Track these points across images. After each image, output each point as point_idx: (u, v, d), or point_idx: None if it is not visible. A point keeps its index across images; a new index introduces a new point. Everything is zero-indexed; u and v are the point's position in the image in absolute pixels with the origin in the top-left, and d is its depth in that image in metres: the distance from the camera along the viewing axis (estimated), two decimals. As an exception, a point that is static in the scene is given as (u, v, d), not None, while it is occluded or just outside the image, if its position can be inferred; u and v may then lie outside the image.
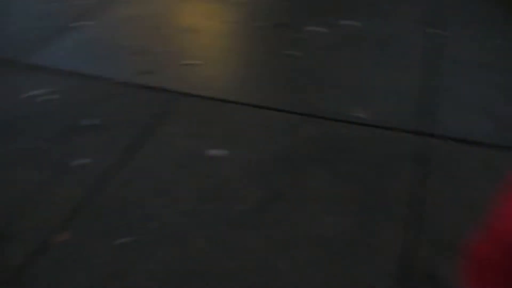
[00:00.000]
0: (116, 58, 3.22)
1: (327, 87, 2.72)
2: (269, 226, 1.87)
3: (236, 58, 3.09)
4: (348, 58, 3.04)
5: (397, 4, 3.75)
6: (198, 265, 1.74)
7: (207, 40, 3.36)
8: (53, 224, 1.96)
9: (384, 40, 3.23)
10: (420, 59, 3.03)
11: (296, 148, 2.26)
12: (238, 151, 2.27)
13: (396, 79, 2.80)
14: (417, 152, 2.25)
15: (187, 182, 2.11)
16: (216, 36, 3.40)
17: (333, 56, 3.00)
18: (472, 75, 2.88)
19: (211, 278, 1.69)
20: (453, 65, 2.96)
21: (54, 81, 3.02)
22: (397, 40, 3.24)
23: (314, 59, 2.98)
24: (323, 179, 2.08)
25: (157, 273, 1.73)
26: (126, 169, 2.22)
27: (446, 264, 1.64)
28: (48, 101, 2.82)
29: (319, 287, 1.65)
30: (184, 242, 1.84)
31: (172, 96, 2.71)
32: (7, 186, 2.19)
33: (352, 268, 1.71)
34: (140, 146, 2.35)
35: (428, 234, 1.84)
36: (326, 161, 2.17)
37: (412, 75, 2.86)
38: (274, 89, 2.71)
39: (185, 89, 2.75)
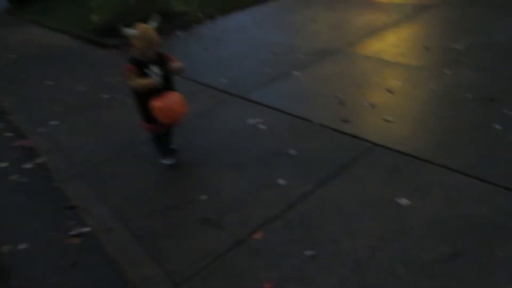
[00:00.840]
0: (319, 105, 3.69)
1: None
2: (448, 281, 1.87)
3: (432, 122, 3.17)
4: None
5: None
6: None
7: (405, 101, 3.54)
8: (253, 224, 2.38)
9: None
10: None
11: (486, 215, 2.20)
12: (425, 205, 2.34)
13: None
14: None
15: (372, 221, 2.28)
16: (414, 100, 3.56)
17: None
18: None
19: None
20: None
21: (266, 114, 3.65)
22: None
23: (519, 137, 2.85)
24: (514, 254, 1.98)
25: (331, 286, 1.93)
26: (317, 196, 2.53)
27: None
28: (259, 129, 3.42)
29: None
30: (360, 270, 1.99)
31: (366, 144, 2.97)
32: (223, 188, 2.76)
33: None
34: (332, 180, 2.65)
35: None
36: (521, 238, 2.06)
37: None
38: (470, 156, 2.70)
39: (379, 141, 2.97)
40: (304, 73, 4.44)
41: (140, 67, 2.67)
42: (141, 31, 2.61)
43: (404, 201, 2.37)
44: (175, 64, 2.78)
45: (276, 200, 2.53)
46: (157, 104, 2.66)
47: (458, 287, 1.85)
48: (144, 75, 2.67)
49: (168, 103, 2.68)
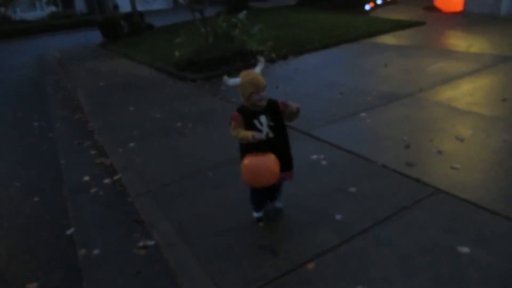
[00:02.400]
0: (383, 146, 3.69)
1: None
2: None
3: (503, 173, 3.04)
4: None
5: None
6: None
7: (475, 150, 3.43)
8: (306, 254, 2.43)
9: None
10: None
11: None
12: (486, 255, 2.24)
13: None
14: None
15: (428, 264, 2.24)
16: (485, 149, 3.44)
17: None
18: None
19: None
20: None
21: (327, 151, 3.73)
22: None
23: None
24: None
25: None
26: (373, 234, 2.53)
27: None
28: (320, 165, 3.50)
29: None
30: (412, 314, 1.96)
31: (428, 189, 2.93)
32: (281, 217, 2.85)
33: None
34: (389, 220, 2.64)
35: None
36: None
37: None
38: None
39: (443, 187, 2.92)
40: (371, 115, 4.48)
41: (248, 116, 2.46)
42: (245, 77, 2.43)
43: (464, 249, 2.29)
44: (291, 105, 2.47)
45: (331, 234, 2.57)
46: (244, 161, 2.48)
47: None
48: (251, 125, 2.45)
49: (256, 164, 2.44)
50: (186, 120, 5.11)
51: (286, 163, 2.59)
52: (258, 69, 2.50)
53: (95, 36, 15.92)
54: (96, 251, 2.83)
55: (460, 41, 7.50)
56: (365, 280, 2.18)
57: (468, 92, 4.79)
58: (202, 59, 7.49)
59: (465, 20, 9.51)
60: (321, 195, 3.03)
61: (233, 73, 7.45)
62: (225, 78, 2.44)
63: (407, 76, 5.72)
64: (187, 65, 7.70)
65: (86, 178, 3.98)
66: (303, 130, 4.27)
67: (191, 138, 4.56)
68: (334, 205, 2.87)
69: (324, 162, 3.52)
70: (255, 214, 2.84)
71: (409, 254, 2.33)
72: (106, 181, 3.87)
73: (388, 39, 8.47)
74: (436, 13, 10.85)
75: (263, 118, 2.46)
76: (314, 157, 3.63)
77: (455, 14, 10.36)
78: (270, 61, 7.60)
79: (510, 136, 3.59)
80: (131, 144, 4.57)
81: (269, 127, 2.48)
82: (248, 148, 2.48)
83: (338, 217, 2.73)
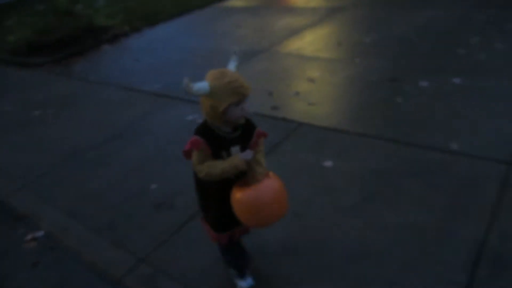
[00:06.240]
0: (250, 97, 4.01)
1: (424, 125, 3.12)
2: (367, 215, 2.34)
3: (347, 101, 3.71)
4: (448, 106, 3.40)
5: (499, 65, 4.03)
6: (311, 237, 2.25)
7: (324, 87, 4.05)
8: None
9: (482, 93, 3.52)
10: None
11: (392, 166, 2.71)
12: (344, 164, 2.80)
13: (494, 123, 3.07)
14: (502, 177, 2.50)
15: (304, 181, 2.70)
16: (331, 85, 4.08)
17: (434, 104, 3.41)
18: None
19: (319, 246, 2.18)
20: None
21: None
22: (493, 92, 3.49)
23: (416, 106, 3.43)
24: (414, 188, 2.49)
25: (278, 235, 2.27)
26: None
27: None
28: (195, 123, 3.59)
29: (400, 261, 2.02)
30: (300, 220, 2.38)
31: (293, 124, 3.41)
32: (171, 176, 2.99)
33: (429, 247, 2.07)
34: (266, 157, 3.00)
35: (498, 233, 2.10)
36: (418, 177, 2.57)
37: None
38: (378, 123, 3.23)
39: (304, 120, 3.43)
40: (240, 70, 4.78)
41: (215, 145, 1.64)
42: (219, 81, 1.55)
43: (328, 163, 2.81)
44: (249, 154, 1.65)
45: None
46: (238, 195, 1.63)
47: (376, 220, 2.30)
48: (217, 157, 1.65)
49: (258, 195, 1.61)
50: (44, 108, 4.73)
51: None
52: (232, 67, 1.70)
53: None
54: (-21, 257, 2.61)
55: (298, -2, 8.27)
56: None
57: (311, 41, 5.44)
58: (46, 41, 6.82)
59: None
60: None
61: (85, 53, 6.90)
62: (186, 81, 1.52)
63: (259, 34, 6.18)
64: (28, 50, 6.90)
65: None
66: (175, 96, 4.38)
67: (57, 124, 4.29)
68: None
69: (199, 121, 3.71)
70: (242, 284, 1.99)
71: (287, 177, 2.65)
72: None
73: (236, 2, 8.84)
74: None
75: (235, 150, 1.66)
76: (190, 117, 3.82)
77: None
78: (123, 35, 7.33)
79: (349, 72, 4.29)
80: (-16, 144, 4.09)
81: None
82: (216, 188, 1.70)
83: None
